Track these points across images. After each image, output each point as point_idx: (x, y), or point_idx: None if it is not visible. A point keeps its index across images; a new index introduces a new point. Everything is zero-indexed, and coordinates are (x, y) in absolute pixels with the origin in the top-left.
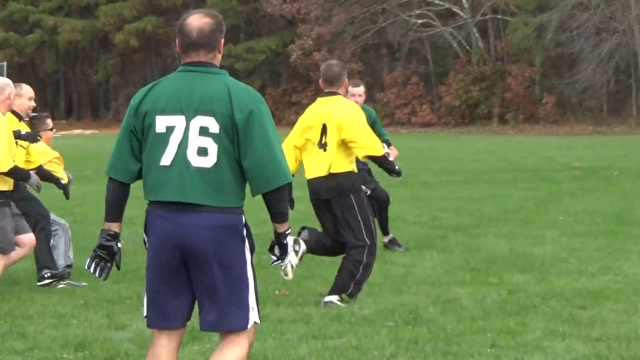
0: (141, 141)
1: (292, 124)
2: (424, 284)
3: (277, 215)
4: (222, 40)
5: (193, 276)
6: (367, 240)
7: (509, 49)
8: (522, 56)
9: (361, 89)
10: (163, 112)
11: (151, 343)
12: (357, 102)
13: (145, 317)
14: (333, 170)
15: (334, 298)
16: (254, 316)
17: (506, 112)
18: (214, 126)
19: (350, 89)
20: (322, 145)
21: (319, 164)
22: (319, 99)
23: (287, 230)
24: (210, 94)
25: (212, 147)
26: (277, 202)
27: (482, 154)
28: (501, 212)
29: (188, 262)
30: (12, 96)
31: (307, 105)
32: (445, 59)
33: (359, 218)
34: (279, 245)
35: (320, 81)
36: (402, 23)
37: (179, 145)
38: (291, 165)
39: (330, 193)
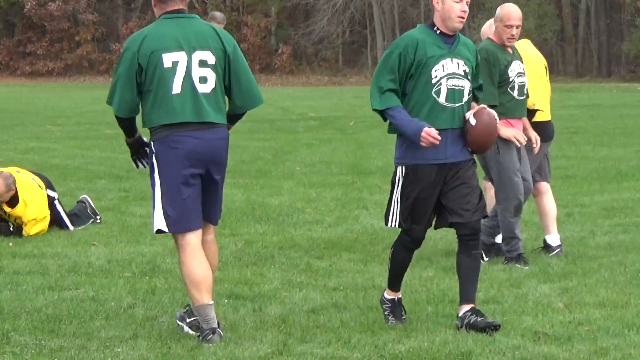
0: (144, 77)
1: (26, 74)
2: (160, 235)
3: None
4: None
5: (209, 181)
6: None
7: (244, 0)
8: (257, 7)
9: None
10: (167, 50)
11: (181, 247)
12: None
13: (172, 224)
14: None
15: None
16: None
17: None
18: (210, 59)
19: None
20: None
21: None
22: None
23: None
24: (203, 33)
25: (211, 76)
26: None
27: None
28: (237, 162)
29: (209, 170)
30: None
31: (42, 55)
32: None
33: None
34: None
35: None
36: None
37: (184, 77)
38: None
39: None
